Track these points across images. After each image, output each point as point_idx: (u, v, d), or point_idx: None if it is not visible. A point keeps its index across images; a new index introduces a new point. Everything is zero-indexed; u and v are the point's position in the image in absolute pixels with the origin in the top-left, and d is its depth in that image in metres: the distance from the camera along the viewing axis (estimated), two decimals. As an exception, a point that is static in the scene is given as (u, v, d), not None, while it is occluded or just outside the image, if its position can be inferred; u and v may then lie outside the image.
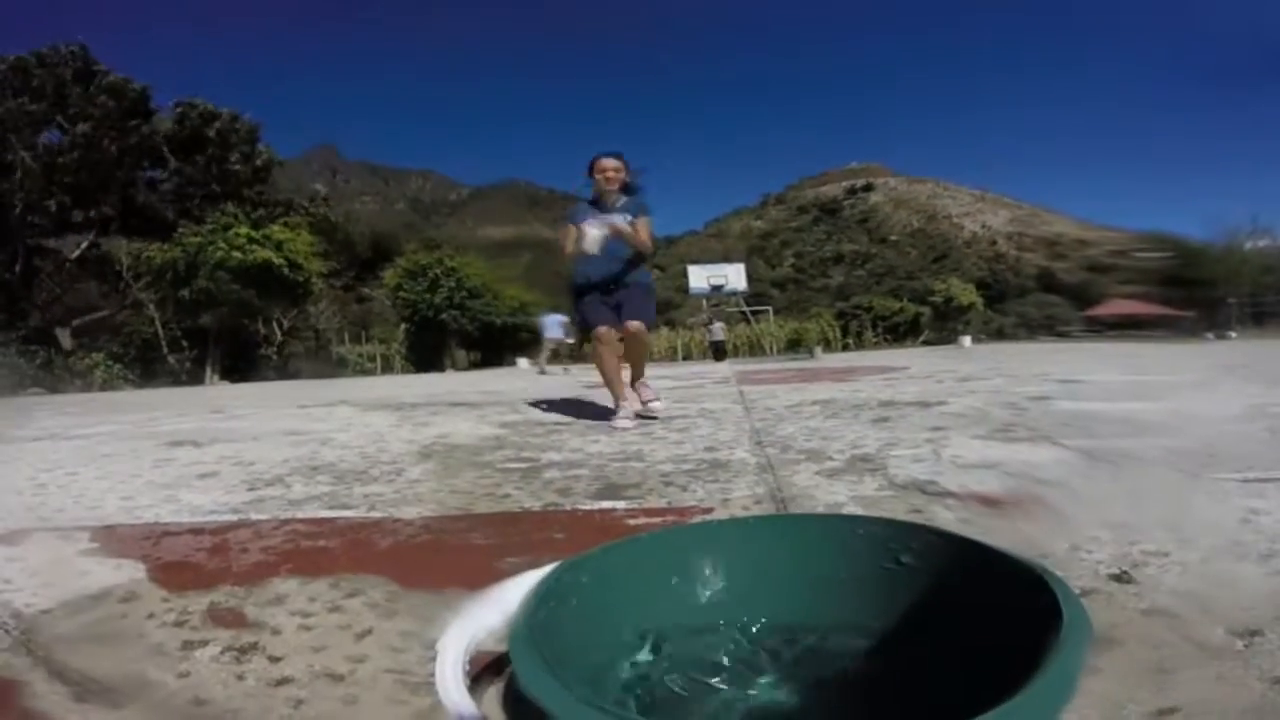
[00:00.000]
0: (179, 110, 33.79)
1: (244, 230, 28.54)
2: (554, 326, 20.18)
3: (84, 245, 32.09)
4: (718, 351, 32.09)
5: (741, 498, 2.38)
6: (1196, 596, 1.36)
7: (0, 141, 28.83)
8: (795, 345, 39.75)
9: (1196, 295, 50.44)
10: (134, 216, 33.08)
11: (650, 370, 5.54)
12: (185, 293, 28.15)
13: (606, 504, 2.37)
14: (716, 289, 38.27)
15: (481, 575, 1.61)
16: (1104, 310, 67.84)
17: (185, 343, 30.47)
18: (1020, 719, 0.64)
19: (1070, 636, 0.76)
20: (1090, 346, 24.73)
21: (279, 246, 28.97)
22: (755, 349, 40.23)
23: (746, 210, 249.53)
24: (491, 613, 1.08)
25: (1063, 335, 55.30)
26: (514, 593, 1.06)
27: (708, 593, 1.16)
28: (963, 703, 0.64)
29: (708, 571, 1.17)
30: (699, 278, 38.70)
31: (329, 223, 40.27)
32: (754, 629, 1.12)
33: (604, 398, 6.08)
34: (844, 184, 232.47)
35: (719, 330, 33.62)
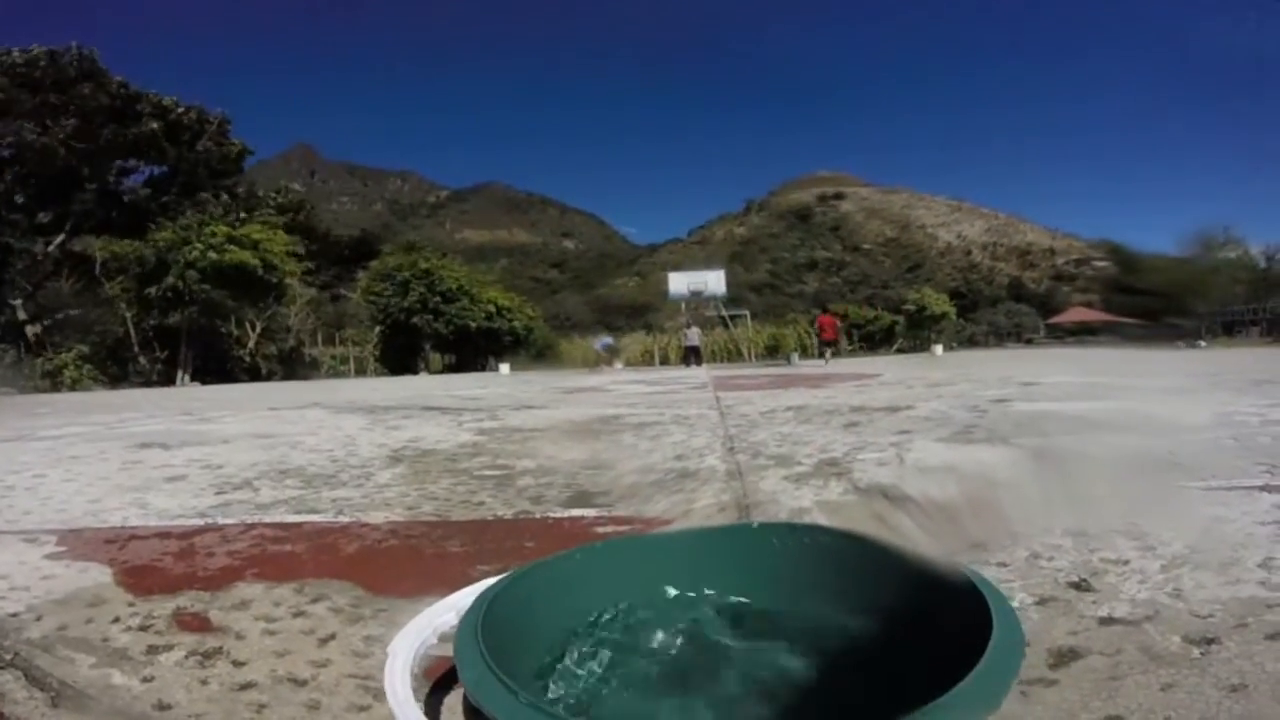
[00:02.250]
0: (153, 105, 33.69)
1: (221, 229, 28.36)
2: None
3: (58, 241, 31.85)
4: (694, 356, 32.10)
5: (705, 506, 2.39)
6: (1155, 605, 1.37)
7: None
8: (773, 351, 39.86)
9: (1147, 304, 51.04)
10: (110, 212, 32.97)
11: (628, 375, 5.57)
12: (153, 290, 27.92)
13: (577, 512, 2.37)
14: (696, 294, 38.29)
15: (448, 581, 1.61)
16: (1064, 318, 69.09)
17: (156, 343, 30.20)
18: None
19: (998, 648, 0.77)
20: (1055, 353, 24.98)
21: (255, 246, 28.79)
22: (733, 355, 40.30)
23: (730, 216, 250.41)
24: (446, 618, 1.09)
25: (1029, 342, 55.94)
26: (468, 599, 1.07)
27: (654, 600, 1.17)
28: (897, 711, 0.65)
29: (654, 580, 1.18)
30: (679, 284, 38.70)
31: (304, 217, 40.19)
32: (700, 636, 1.13)
33: (578, 402, 6.07)
34: (815, 191, 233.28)
35: (695, 336, 33.62)
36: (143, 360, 29.89)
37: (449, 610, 1.10)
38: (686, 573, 1.20)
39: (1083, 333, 58.84)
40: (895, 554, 1.05)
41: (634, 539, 1.41)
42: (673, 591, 1.19)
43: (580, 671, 1.02)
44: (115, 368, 29.02)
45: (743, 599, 1.17)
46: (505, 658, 0.81)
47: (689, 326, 35.16)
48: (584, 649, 1.05)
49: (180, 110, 34.15)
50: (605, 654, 1.06)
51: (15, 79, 29.47)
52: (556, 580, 1.12)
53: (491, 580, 1.10)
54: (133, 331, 29.94)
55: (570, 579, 1.14)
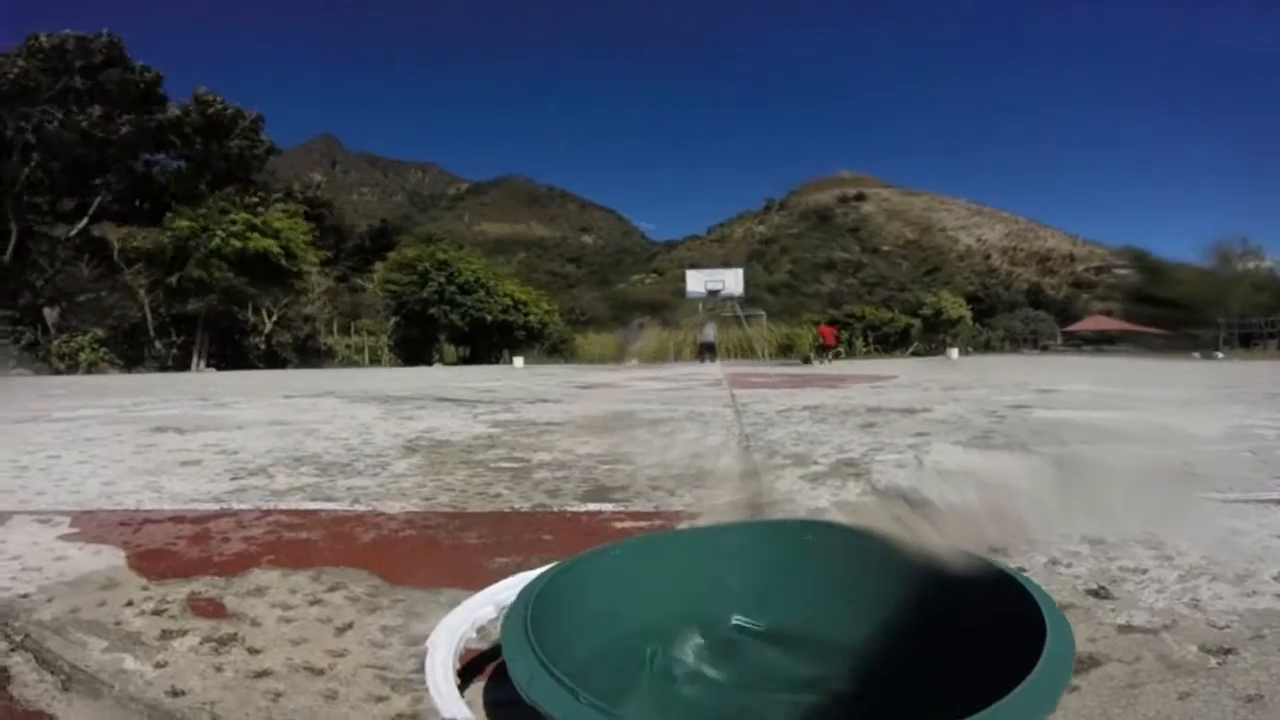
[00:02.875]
0: (195, 98, 33.96)
1: (243, 217, 28.44)
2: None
3: (79, 227, 32.02)
4: (709, 353, 31.97)
5: (727, 503, 2.39)
6: (1173, 614, 1.37)
7: (4, 119, 28.84)
8: (787, 350, 39.72)
9: (1167, 314, 50.60)
10: (134, 200, 33.17)
11: (642, 372, 5.56)
12: (174, 279, 28.02)
13: (594, 506, 2.36)
14: (713, 293, 38.20)
15: (466, 573, 1.62)
16: (1082, 326, 68.86)
17: (173, 329, 30.28)
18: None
19: (1053, 651, 0.76)
20: (1072, 361, 24.85)
21: (277, 235, 28.87)
22: (748, 353, 40.17)
23: (750, 215, 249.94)
24: (483, 611, 1.08)
25: (1045, 349, 55.50)
26: (506, 592, 1.06)
27: (699, 597, 1.16)
28: (942, 712, 0.65)
29: (694, 577, 1.18)
30: (696, 282, 38.63)
31: (324, 206, 40.39)
32: (741, 632, 1.13)
33: (594, 397, 6.06)
34: (837, 192, 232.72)
35: (710, 332, 33.43)
36: (159, 345, 29.96)
37: (487, 604, 1.10)
38: (727, 570, 1.19)
39: (1100, 341, 58.58)
40: (942, 557, 1.04)
41: (672, 535, 1.40)
42: (708, 591, 1.18)
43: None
44: (131, 352, 29.11)
45: (782, 600, 1.16)
46: (550, 652, 0.80)
47: (706, 323, 34.99)
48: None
49: (219, 106, 34.40)
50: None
51: (41, 64, 29.61)
52: (599, 575, 1.11)
53: (531, 574, 1.09)
54: (149, 316, 30.03)
55: (612, 574, 1.13)
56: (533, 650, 0.81)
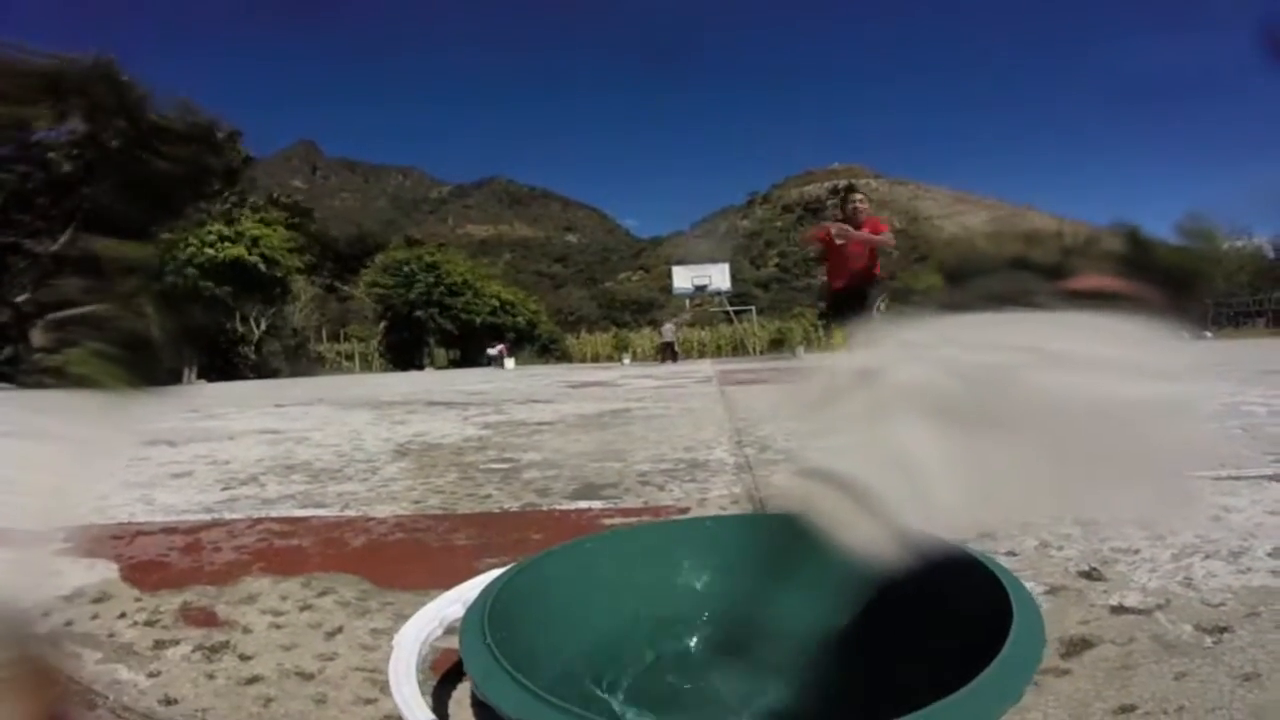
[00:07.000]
0: (179, 105, 33.92)
1: (216, 227, 28.35)
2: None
3: (62, 240, 31.89)
4: (667, 352, 32.40)
5: (718, 497, 2.38)
6: (1167, 594, 1.36)
7: None
8: (778, 345, 39.74)
9: (1157, 287, 50.66)
10: (122, 208, 33.02)
11: (634, 370, 5.53)
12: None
13: (584, 504, 2.36)
14: (700, 289, 38.30)
15: (455, 574, 1.61)
16: (1078, 284, 69.02)
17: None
18: (954, 716, 0.63)
19: (1019, 639, 0.75)
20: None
21: (254, 243, 28.78)
22: (738, 349, 40.19)
23: (733, 209, 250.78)
24: (453, 609, 1.08)
25: (1036, 306, 55.28)
26: (476, 590, 1.06)
27: (671, 590, 1.15)
28: (913, 699, 0.64)
29: (672, 569, 1.17)
30: (683, 278, 38.69)
31: (304, 214, 40.34)
32: (719, 626, 1.12)
33: (585, 397, 6.02)
34: (827, 184, 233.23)
35: (669, 332, 34.05)
36: (149, 358, 29.88)
37: (455, 602, 1.09)
38: (698, 562, 1.18)
39: (1098, 299, 58.60)
40: (915, 542, 1.03)
41: (643, 528, 1.39)
42: (681, 584, 1.17)
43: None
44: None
45: (751, 591, 1.15)
46: (513, 650, 0.79)
47: (665, 322, 35.46)
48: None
49: (200, 116, 34.43)
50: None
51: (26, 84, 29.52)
52: (566, 570, 1.10)
53: (499, 571, 1.08)
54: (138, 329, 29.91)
55: (579, 569, 1.12)
56: (487, 647, 0.80)
